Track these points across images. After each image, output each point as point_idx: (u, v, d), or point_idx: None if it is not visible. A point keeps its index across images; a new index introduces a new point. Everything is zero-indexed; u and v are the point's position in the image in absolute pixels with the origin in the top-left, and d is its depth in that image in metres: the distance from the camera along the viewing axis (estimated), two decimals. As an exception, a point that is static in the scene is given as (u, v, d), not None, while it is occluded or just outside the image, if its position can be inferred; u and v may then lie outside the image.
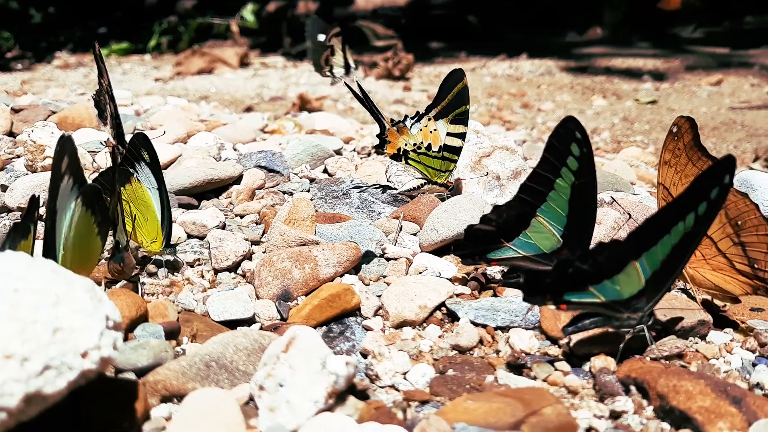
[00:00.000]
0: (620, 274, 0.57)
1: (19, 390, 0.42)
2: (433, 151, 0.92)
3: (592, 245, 0.67)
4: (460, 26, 4.16)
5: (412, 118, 0.93)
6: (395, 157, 0.95)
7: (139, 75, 3.19)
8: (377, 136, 0.95)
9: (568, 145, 0.63)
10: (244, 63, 3.33)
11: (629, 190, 1.09)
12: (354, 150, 1.29)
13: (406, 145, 0.93)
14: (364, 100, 0.93)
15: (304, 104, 2.11)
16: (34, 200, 0.59)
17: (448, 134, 0.92)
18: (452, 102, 0.91)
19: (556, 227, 0.68)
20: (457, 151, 0.93)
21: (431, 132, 0.91)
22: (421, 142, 0.92)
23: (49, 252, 0.60)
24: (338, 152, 1.23)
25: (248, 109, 2.18)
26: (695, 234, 0.56)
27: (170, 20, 4.30)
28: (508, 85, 2.76)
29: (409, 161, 0.95)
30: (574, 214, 0.66)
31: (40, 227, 0.87)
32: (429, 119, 0.92)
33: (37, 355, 0.43)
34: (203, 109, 1.83)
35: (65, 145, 0.59)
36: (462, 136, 0.92)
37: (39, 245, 0.73)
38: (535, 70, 3.04)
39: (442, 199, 0.90)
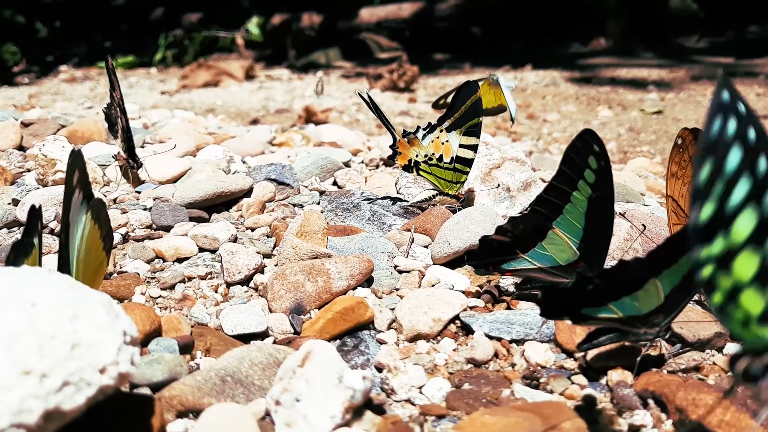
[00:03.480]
0: (640, 291, 0.57)
1: (38, 406, 0.41)
2: (444, 163, 0.92)
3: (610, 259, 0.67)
4: (464, 38, 4.18)
5: (423, 129, 0.93)
6: (406, 168, 0.95)
7: (145, 88, 3.21)
8: (390, 147, 0.95)
9: (586, 158, 0.63)
10: (249, 76, 3.35)
11: (639, 201, 1.09)
12: (362, 162, 1.29)
13: (417, 156, 0.93)
14: (377, 111, 0.94)
15: (309, 116, 2.11)
16: (33, 214, 0.58)
17: (461, 146, 0.92)
18: (465, 114, 0.91)
19: (573, 240, 0.67)
20: (469, 162, 0.93)
21: (443, 143, 0.91)
22: (433, 154, 0.92)
23: (64, 266, 0.60)
24: (347, 164, 1.23)
25: (254, 122, 2.19)
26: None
27: (175, 34, 4.33)
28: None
29: (420, 172, 0.95)
30: (590, 227, 0.66)
31: (49, 241, 0.87)
32: (441, 131, 0.92)
33: (56, 371, 0.43)
34: (210, 122, 1.83)
35: (76, 159, 0.59)
36: (474, 148, 0.92)
37: (45, 259, 0.73)
38: (540, 81, 3.05)
39: (453, 211, 0.90)
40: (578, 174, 0.65)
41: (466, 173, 0.94)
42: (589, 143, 0.63)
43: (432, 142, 0.93)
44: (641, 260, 0.56)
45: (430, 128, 0.93)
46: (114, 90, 1.02)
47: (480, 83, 0.95)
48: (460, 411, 0.57)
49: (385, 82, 2.83)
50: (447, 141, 0.92)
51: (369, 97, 0.94)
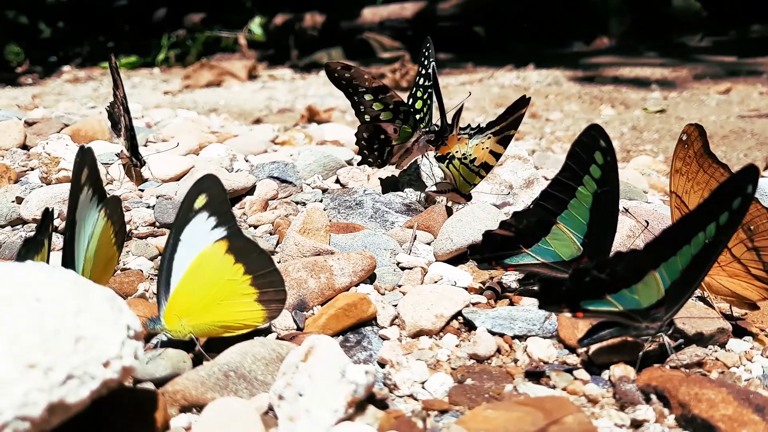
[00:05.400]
0: (639, 284, 0.57)
1: (42, 400, 0.42)
2: (473, 165, 0.91)
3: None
4: (467, 38, 4.18)
5: (472, 130, 0.92)
6: (441, 158, 0.93)
7: (148, 88, 3.21)
8: (437, 133, 0.93)
9: (592, 153, 0.63)
10: (252, 75, 3.35)
11: (642, 198, 1.09)
12: (365, 160, 1.29)
13: (456, 152, 0.92)
14: (437, 96, 0.93)
15: (312, 116, 2.12)
16: (47, 214, 0.59)
17: (490, 152, 0.91)
18: (509, 124, 0.90)
19: (577, 235, 0.67)
20: (489, 169, 0.92)
21: (483, 149, 0.91)
22: (471, 154, 0.91)
23: (68, 263, 0.60)
24: (349, 163, 1.23)
25: (257, 121, 2.20)
26: (716, 244, 0.56)
27: (178, 34, 4.34)
28: (516, 96, 2.76)
29: (449, 166, 0.93)
30: (595, 223, 0.66)
31: (56, 240, 0.88)
32: (489, 137, 0.90)
33: (60, 365, 0.43)
34: (213, 122, 1.84)
35: (85, 157, 0.59)
36: (498, 156, 0.91)
37: (53, 257, 0.73)
38: (543, 80, 3.04)
39: (449, 210, 0.90)
40: (584, 169, 0.65)
41: (483, 177, 0.93)
42: (595, 138, 0.63)
43: (477, 144, 0.91)
44: (637, 251, 0.56)
45: (479, 130, 0.92)
46: (117, 88, 1.03)
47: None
48: (462, 406, 0.57)
49: (388, 81, 2.83)
50: (486, 147, 0.91)
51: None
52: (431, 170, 1.03)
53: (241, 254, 0.61)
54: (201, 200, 0.61)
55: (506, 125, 0.89)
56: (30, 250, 0.57)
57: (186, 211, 0.61)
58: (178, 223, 0.61)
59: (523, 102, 0.89)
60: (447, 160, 0.93)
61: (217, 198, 0.61)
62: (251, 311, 0.62)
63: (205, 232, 0.61)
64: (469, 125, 0.93)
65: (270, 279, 0.61)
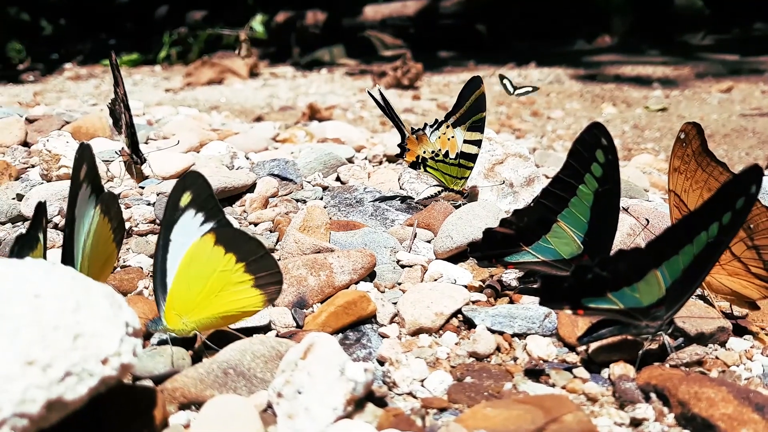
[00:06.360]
0: (640, 282, 0.57)
1: (41, 396, 0.42)
2: (450, 158, 0.91)
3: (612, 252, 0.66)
4: (469, 36, 4.17)
5: (431, 126, 0.93)
6: (414, 165, 0.94)
7: (149, 86, 3.21)
8: (398, 145, 0.95)
9: (593, 151, 0.63)
10: (253, 73, 3.35)
11: (643, 197, 1.09)
12: (366, 158, 1.29)
13: (424, 152, 0.93)
14: (386, 108, 0.93)
15: (313, 114, 2.11)
16: (39, 209, 0.59)
17: (465, 141, 0.92)
18: (470, 109, 0.91)
19: (577, 233, 0.67)
20: (473, 158, 0.93)
21: (449, 139, 0.91)
22: (439, 150, 0.92)
23: (68, 260, 0.60)
24: (350, 160, 1.23)
25: (258, 119, 2.19)
26: (718, 244, 0.56)
27: (180, 32, 4.34)
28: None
29: (427, 169, 0.94)
30: (595, 221, 0.66)
31: (53, 236, 0.88)
32: (447, 126, 0.91)
33: (59, 362, 0.43)
34: (214, 119, 1.84)
35: (84, 153, 0.59)
36: (478, 143, 0.92)
37: (49, 254, 0.73)
38: (544, 79, 3.04)
39: (456, 207, 0.90)
40: (585, 167, 0.65)
41: (470, 168, 0.94)
42: (597, 136, 0.63)
43: (438, 138, 0.93)
44: (639, 249, 0.56)
45: (437, 125, 0.93)
46: (118, 86, 1.03)
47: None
48: (461, 404, 0.57)
49: (389, 79, 2.83)
50: (453, 137, 0.92)
51: (381, 94, 0.94)
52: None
53: (230, 243, 0.60)
54: (186, 198, 0.60)
55: (467, 111, 0.89)
56: (23, 246, 0.57)
57: (172, 210, 0.60)
58: (165, 222, 0.60)
59: (475, 83, 0.89)
60: (421, 165, 0.94)
61: (202, 194, 0.61)
62: (250, 297, 0.61)
63: (195, 228, 0.61)
64: (426, 124, 0.93)
65: (263, 263, 0.61)
